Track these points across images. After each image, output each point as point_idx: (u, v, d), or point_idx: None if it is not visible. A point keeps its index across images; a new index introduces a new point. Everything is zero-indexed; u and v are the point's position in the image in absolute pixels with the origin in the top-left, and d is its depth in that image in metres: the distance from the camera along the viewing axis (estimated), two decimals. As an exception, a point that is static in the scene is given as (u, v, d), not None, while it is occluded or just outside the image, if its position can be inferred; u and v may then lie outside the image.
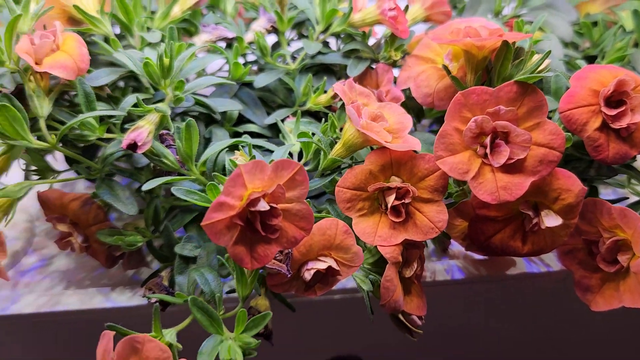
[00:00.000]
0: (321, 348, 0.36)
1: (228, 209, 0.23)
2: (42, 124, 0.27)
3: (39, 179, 0.32)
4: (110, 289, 0.31)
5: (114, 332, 0.22)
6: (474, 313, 0.35)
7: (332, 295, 0.31)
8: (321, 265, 0.25)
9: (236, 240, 0.24)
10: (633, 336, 0.37)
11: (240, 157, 0.27)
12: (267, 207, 0.23)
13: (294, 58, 0.35)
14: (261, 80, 0.33)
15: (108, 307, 0.30)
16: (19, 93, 0.28)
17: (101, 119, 0.29)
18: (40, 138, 0.27)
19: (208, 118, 0.32)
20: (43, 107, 0.28)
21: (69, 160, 0.34)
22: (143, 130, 0.26)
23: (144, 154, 0.27)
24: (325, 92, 0.33)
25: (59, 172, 0.32)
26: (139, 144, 0.26)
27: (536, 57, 0.31)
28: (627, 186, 0.34)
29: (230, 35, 0.33)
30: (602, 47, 0.40)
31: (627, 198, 0.33)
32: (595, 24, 0.41)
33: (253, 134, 0.32)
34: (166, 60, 0.28)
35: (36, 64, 0.27)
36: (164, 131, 0.28)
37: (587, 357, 0.39)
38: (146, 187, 0.26)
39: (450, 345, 0.37)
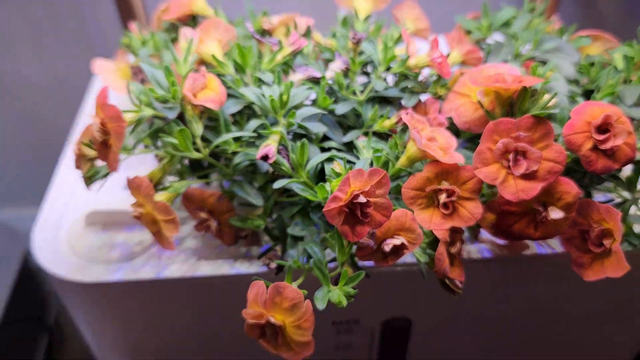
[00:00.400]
0: (382, 310, 0.47)
1: (339, 200, 0.34)
2: (198, 141, 0.39)
3: (179, 179, 0.44)
4: (233, 261, 0.43)
5: (262, 281, 0.34)
6: (497, 288, 0.47)
7: (395, 267, 0.43)
8: (397, 241, 0.36)
9: (343, 222, 0.35)
10: (614, 301, 0.49)
11: (337, 166, 0.38)
12: (364, 200, 0.34)
13: (361, 91, 0.47)
14: (341, 109, 0.44)
15: (234, 274, 0.41)
16: (180, 118, 0.40)
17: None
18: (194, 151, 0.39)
19: (302, 136, 0.44)
20: (198, 128, 0.39)
21: (192, 166, 0.46)
22: (272, 147, 0.38)
23: (269, 163, 0.38)
24: (388, 118, 0.45)
25: (193, 175, 0.44)
26: (270, 156, 0.37)
27: (547, 96, 0.42)
28: (614, 191, 0.45)
29: (318, 75, 0.45)
30: (598, 84, 0.51)
31: (613, 200, 0.45)
32: (593, 64, 0.52)
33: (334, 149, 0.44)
34: (284, 97, 0.39)
35: (194, 96, 0.39)
36: (281, 147, 0.40)
37: (578, 323, 0.51)
38: (276, 185, 0.37)
39: (475, 312, 0.48)
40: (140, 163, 0.46)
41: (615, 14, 0.89)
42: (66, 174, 0.50)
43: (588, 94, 0.50)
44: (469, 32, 0.55)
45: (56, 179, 0.49)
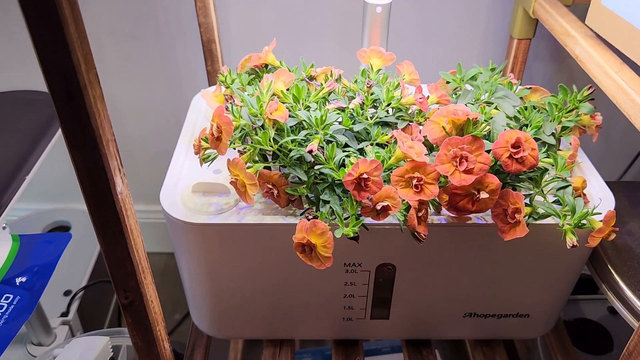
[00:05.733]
0: (376, 258, 0.71)
1: (352, 176, 0.59)
2: (271, 140, 0.65)
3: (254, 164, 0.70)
4: (285, 215, 0.68)
5: (305, 219, 0.59)
6: (450, 245, 0.71)
7: (384, 226, 0.67)
8: (385, 203, 0.61)
9: (353, 188, 0.60)
10: (523, 255, 0.72)
11: (353, 159, 0.63)
12: (367, 177, 0.59)
13: (371, 117, 0.73)
14: (357, 128, 0.69)
15: (285, 222, 0.67)
16: (260, 127, 0.66)
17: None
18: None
19: (331, 142, 0.69)
20: (272, 133, 0.65)
21: (264, 156, 0.71)
22: (315, 145, 0.63)
23: (312, 155, 0.64)
24: (387, 134, 0.70)
25: (264, 162, 0.70)
26: (313, 151, 0.63)
27: (484, 125, 0.67)
28: (532, 188, 0.70)
29: (344, 106, 0.71)
30: (530, 120, 0.76)
31: (531, 193, 0.69)
32: (526, 108, 0.77)
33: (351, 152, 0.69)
34: (323, 118, 0.65)
35: (270, 114, 0.65)
36: (319, 147, 0.65)
37: (503, 274, 0.73)
38: (316, 168, 0.63)
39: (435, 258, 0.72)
40: (219, 160, 0.72)
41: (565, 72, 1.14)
42: (178, 160, 0.76)
43: (524, 128, 0.75)
44: (448, 82, 0.81)
45: (172, 163, 0.76)
